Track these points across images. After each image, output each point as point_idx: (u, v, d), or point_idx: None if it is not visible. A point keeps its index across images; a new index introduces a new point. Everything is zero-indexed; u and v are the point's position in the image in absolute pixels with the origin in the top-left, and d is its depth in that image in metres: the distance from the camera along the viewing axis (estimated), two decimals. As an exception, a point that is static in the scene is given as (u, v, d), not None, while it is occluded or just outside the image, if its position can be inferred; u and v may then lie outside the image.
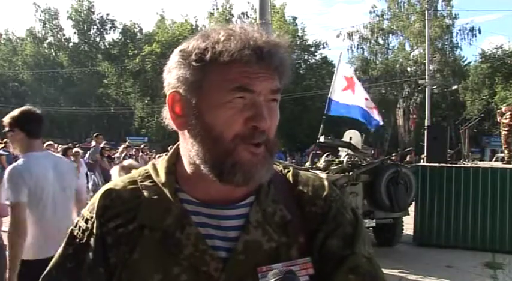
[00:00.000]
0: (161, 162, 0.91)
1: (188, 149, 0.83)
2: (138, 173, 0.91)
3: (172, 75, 0.82)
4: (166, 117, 0.85)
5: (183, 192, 0.86)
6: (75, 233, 0.88)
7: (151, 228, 0.82)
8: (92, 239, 0.85)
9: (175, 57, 0.82)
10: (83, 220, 0.88)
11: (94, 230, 0.85)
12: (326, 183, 0.92)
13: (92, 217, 0.86)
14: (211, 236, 0.82)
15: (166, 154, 0.94)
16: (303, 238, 0.85)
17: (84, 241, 0.86)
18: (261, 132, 0.78)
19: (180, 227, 0.81)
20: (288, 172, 0.94)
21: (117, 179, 0.92)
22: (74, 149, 10.15)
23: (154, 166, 0.91)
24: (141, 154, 13.69)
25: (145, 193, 0.86)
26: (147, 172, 0.90)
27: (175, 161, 0.89)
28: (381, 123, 8.82)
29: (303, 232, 0.85)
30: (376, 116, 8.45)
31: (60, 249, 0.89)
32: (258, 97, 0.78)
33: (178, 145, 0.89)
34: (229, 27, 0.80)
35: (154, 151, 18.61)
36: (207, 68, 0.78)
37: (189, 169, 0.85)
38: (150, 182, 0.87)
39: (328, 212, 0.87)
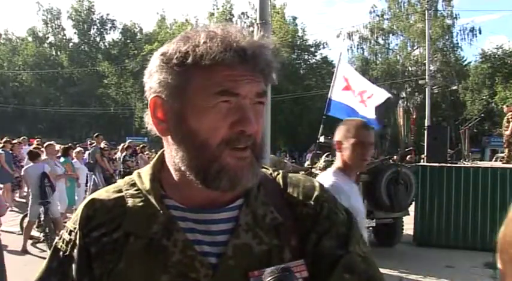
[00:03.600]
0: (145, 170, 0.89)
1: (172, 155, 0.81)
2: (124, 181, 0.89)
3: (154, 79, 0.79)
4: (149, 122, 0.82)
5: (169, 198, 0.83)
6: (59, 246, 0.86)
7: (137, 236, 0.80)
8: (76, 250, 0.83)
9: (155, 60, 0.79)
10: (66, 232, 0.86)
11: (77, 242, 0.83)
12: (317, 184, 0.90)
13: (75, 228, 0.84)
14: (200, 242, 0.80)
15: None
16: (295, 240, 0.82)
17: (68, 253, 0.84)
18: (248, 136, 0.76)
19: (167, 233, 0.79)
20: (278, 174, 0.92)
21: (102, 189, 0.90)
22: (77, 149, 10.17)
23: (138, 174, 0.89)
24: (140, 154, 13.67)
25: (130, 201, 0.83)
26: (132, 181, 0.88)
27: (160, 168, 0.87)
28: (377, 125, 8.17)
29: (294, 234, 0.83)
30: (369, 114, 7.92)
31: (45, 263, 0.87)
32: (243, 100, 0.76)
33: (163, 151, 0.87)
34: (211, 29, 0.77)
35: (154, 150, 18.58)
36: (190, 72, 0.75)
37: (175, 175, 0.82)
38: (135, 190, 0.85)
39: (320, 212, 0.85)
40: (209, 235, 0.81)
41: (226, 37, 0.75)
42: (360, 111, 7.52)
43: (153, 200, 0.82)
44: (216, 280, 0.77)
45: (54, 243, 0.89)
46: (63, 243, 0.86)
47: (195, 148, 0.77)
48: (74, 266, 0.83)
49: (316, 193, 0.88)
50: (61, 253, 0.85)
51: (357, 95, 7.73)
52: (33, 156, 7.41)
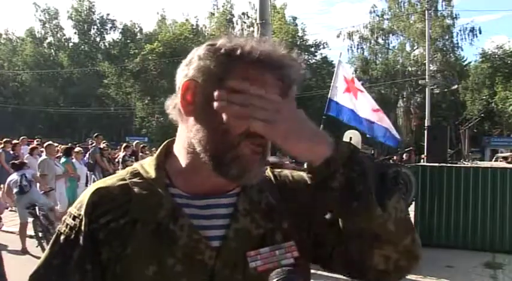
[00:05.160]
0: (149, 160, 0.93)
1: (189, 136, 0.85)
2: (126, 171, 0.93)
3: (193, 66, 0.85)
4: (171, 105, 0.89)
5: (173, 187, 0.88)
6: (62, 231, 0.89)
7: (144, 222, 0.84)
8: (80, 236, 0.85)
9: (200, 50, 0.85)
10: (70, 217, 0.89)
11: (82, 228, 0.86)
12: (305, 176, 0.95)
13: (80, 215, 0.87)
14: (204, 227, 0.85)
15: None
16: (287, 223, 0.90)
17: (71, 237, 0.86)
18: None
19: (173, 219, 0.84)
20: (266, 169, 0.98)
21: (106, 178, 0.94)
22: (77, 149, 10.16)
23: (141, 164, 0.93)
24: (140, 153, 13.64)
25: (136, 189, 0.87)
26: (135, 170, 0.92)
27: (163, 160, 0.92)
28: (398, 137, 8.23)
29: (286, 218, 0.90)
30: (393, 132, 8.16)
31: (48, 248, 0.90)
32: None
33: (167, 143, 0.94)
34: (256, 37, 0.87)
35: (154, 149, 18.61)
36: (232, 64, 0.82)
37: (184, 160, 0.88)
38: (139, 179, 0.89)
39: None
40: (212, 219, 0.87)
41: (271, 44, 0.84)
42: (376, 121, 7.70)
43: (158, 189, 0.86)
44: (219, 261, 0.83)
45: (57, 229, 0.91)
46: (66, 228, 0.88)
47: (218, 132, 0.81)
48: (77, 251, 0.85)
49: (308, 183, 0.92)
50: (63, 236, 0.88)
51: (366, 109, 7.82)
52: (18, 167, 7.31)
